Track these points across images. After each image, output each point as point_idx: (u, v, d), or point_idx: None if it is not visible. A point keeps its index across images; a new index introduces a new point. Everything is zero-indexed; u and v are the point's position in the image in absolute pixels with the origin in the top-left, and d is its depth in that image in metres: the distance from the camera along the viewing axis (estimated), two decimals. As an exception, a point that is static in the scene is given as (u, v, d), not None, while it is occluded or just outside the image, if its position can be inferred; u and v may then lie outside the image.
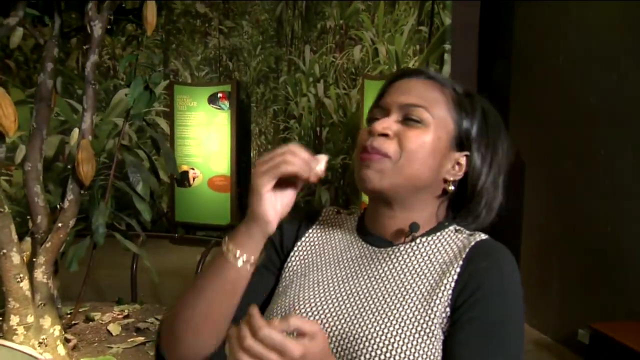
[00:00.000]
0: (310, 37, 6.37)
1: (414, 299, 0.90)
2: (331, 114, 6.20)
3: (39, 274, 2.94)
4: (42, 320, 2.95)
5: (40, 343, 2.93)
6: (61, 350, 3.01)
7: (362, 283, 0.95)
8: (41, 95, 3.06)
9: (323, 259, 1.03)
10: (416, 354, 0.84)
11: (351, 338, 0.88)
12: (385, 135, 0.93)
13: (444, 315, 0.87)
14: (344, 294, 0.94)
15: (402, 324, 0.87)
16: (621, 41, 3.58)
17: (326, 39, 6.17)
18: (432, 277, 0.91)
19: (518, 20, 4.63)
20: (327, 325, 0.91)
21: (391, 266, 0.96)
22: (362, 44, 5.63)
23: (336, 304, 0.93)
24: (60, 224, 2.90)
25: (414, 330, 0.86)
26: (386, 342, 0.85)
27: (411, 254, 0.96)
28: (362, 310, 0.91)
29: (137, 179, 2.99)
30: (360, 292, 0.93)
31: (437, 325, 0.87)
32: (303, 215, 1.10)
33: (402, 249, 0.98)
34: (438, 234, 0.98)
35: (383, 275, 0.95)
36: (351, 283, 0.96)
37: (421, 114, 0.94)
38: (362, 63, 5.68)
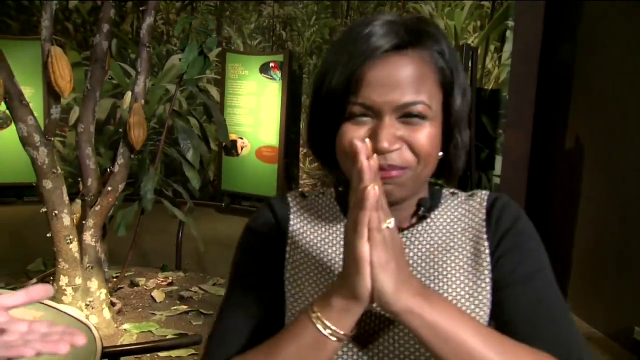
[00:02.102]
0: (367, 8, 6.19)
1: (457, 274, 0.86)
2: (384, 89, 6.05)
3: (88, 237, 2.95)
4: (90, 283, 2.97)
5: (87, 305, 2.95)
6: (106, 313, 3.02)
7: None
8: (96, 57, 3.04)
9: (324, 257, 0.90)
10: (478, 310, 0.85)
11: (407, 338, 0.83)
12: (396, 149, 0.81)
13: (489, 280, 0.86)
14: None
15: (458, 298, 0.85)
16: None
17: (383, 11, 5.99)
18: (463, 248, 0.88)
19: (586, 2, 4.39)
20: (376, 334, 0.83)
21: (415, 249, 0.88)
22: (421, 17, 5.44)
23: (370, 312, 0.84)
24: (109, 188, 2.89)
25: (467, 303, 0.84)
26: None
27: (429, 231, 0.90)
28: None
29: (188, 146, 2.95)
30: None
31: (487, 292, 0.86)
32: (271, 214, 0.95)
33: (414, 231, 0.89)
34: (441, 204, 0.93)
35: (409, 261, 0.87)
36: None
37: (422, 110, 0.80)
38: (419, 37, 5.49)
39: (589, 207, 4.28)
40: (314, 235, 0.92)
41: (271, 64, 6.53)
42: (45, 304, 1.81)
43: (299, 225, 0.93)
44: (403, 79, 0.79)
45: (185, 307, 3.38)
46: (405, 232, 0.90)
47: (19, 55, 5.68)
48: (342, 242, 0.88)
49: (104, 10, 3.09)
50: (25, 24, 6.60)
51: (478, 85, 4.54)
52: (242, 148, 6.69)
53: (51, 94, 2.81)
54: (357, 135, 0.81)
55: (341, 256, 0.88)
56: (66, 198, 2.84)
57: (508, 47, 4.39)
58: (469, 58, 4.14)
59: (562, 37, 4.57)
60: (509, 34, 4.39)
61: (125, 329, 3.03)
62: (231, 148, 6.67)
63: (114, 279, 3.61)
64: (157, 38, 6.96)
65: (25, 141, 2.78)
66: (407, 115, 0.80)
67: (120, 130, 2.96)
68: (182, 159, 2.97)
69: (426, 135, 0.81)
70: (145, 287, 3.68)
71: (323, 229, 0.93)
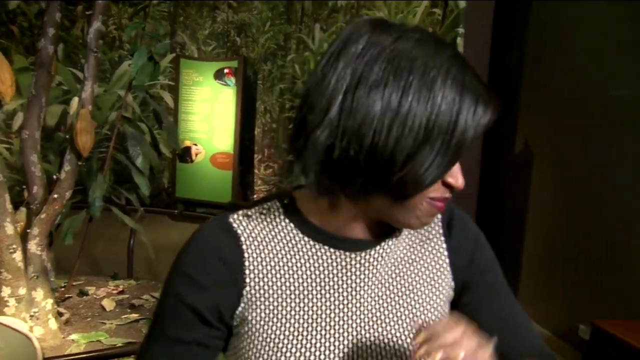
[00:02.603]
0: (321, 15, 6.22)
1: (420, 287, 0.88)
2: (338, 95, 6.08)
3: (33, 246, 2.87)
4: (35, 293, 2.89)
5: (31, 316, 2.86)
6: (53, 324, 2.94)
7: (359, 299, 0.83)
8: (41, 61, 2.97)
9: (291, 290, 0.82)
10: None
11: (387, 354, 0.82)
12: None
13: (447, 288, 0.91)
14: (347, 323, 0.82)
15: (419, 317, 0.86)
16: (637, 33, 3.46)
17: (337, 18, 6.02)
18: (422, 260, 0.90)
19: (535, 7, 4.51)
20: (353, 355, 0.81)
21: (383, 267, 0.86)
22: (374, 24, 5.50)
23: (346, 341, 0.81)
24: (56, 195, 2.82)
25: (431, 315, 0.87)
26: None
27: (394, 247, 0.88)
28: (377, 330, 0.82)
29: (137, 152, 2.91)
30: (369, 308, 0.83)
31: (445, 300, 0.91)
32: (217, 247, 0.83)
33: (384, 245, 0.87)
34: None
35: (380, 278, 0.85)
36: (350, 303, 0.83)
37: None
38: (372, 44, 5.54)
39: (538, 209, 4.38)
40: (275, 262, 0.83)
41: (225, 70, 6.50)
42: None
43: (255, 255, 0.82)
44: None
45: (137, 315, 3.32)
46: (377, 247, 0.86)
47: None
48: (307, 265, 0.83)
49: (49, 12, 3.02)
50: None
51: (430, 92, 4.61)
52: (196, 155, 6.63)
53: (-7, 99, 2.73)
54: (446, 175, 0.79)
55: (304, 277, 0.83)
56: (9, 206, 2.76)
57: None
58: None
59: (511, 42, 4.68)
60: (459, 40, 4.47)
61: (72, 340, 2.96)
62: (185, 155, 6.60)
63: (62, 289, 3.52)
64: (109, 43, 6.86)
65: (-34, 148, 2.69)
66: None
67: (68, 136, 2.89)
68: (132, 165, 2.92)
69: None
70: (95, 296, 3.60)
71: (283, 252, 0.84)
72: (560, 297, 4.09)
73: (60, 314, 3.13)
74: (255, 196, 6.81)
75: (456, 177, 0.79)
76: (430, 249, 0.91)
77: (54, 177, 2.86)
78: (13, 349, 1.67)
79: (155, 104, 3.08)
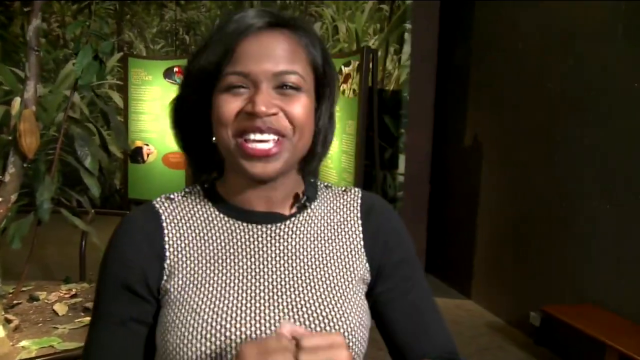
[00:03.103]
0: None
1: (335, 263, 0.92)
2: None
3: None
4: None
5: (-21, 323, 2.79)
6: (0, 331, 2.87)
7: (271, 266, 0.89)
8: (-18, 62, 2.89)
9: (206, 257, 0.89)
10: (352, 309, 0.88)
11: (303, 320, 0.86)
12: (273, 113, 0.83)
13: (363, 270, 0.94)
14: (263, 286, 0.87)
15: (332, 291, 0.88)
16: (579, 25, 3.59)
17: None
18: (339, 240, 0.94)
19: (477, 6, 4.61)
20: (265, 321, 0.85)
21: (297, 238, 0.92)
22: (323, 20, 5.53)
23: (264, 300, 0.86)
24: (0, 199, 2.75)
25: (343, 291, 0.89)
26: (328, 312, 0.86)
27: (309, 221, 0.94)
28: (290, 293, 0.87)
29: (86, 153, 2.86)
30: (276, 277, 0.88)
31: (359, 281, 0.93)
32: (142, 225, 0.91)
33: (296, 221, 0.93)
34: (319, 196, 0.98)
35: (287, 251, 0.90)
36: (261, 271, 0.88)
37: (295, 80, 0.84)
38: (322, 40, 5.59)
39: (488, 200, 4.49)
40: (192, 237, 0.90)
41: (175, 69, 6.43)
42: None
43: (174, 232, 0.90)
44: (277, 51, 0.84)
45: (90, 318, 3.27)
46: (287, 221, 0.93)
47: None
48: (222, 238, 0.90)
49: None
50: None
51: (379, 87, 4.66)
52: (148, 155, 6.53)
53: None
54: (234, 105, 0.83)
55: (219, 249, 0.90)
56: (-47, 211, 2.68)
57: (407, 48, 4.54)
58: (370, 60, 4.24)
59: (458, 40, 4.78)
60: (407, 36, 4.54)
61: (22, 347, 2.89)
62: (137, 155, 6.50)
63: (10, 295, 3.43)
64: (53, 42, 6.70)
65: None
66: (282, 86, 0.84)
67: (11, 138, 2.82)
68: (80, 166, 2.87)
69: (301, 105, 0.85)
70: (46, 301, 3.52)
71: (200, 228, 0.91)
72: (511, 287, 4.21)
73: (8, 321, 3.05)
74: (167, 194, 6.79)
75: (255, 103, 0.83)
76: (347, 230, 0.95)
77: (-1, 179, 2.78)
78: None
79: (103, 104, 3.04)
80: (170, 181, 6.40)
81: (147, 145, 6.51)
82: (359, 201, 0.97)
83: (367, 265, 0.94)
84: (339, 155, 4.73)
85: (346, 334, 0.85)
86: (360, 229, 0.95)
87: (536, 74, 3.92)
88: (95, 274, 4.21)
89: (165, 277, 0.88)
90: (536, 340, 3.82)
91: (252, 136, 0.82)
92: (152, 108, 6.49)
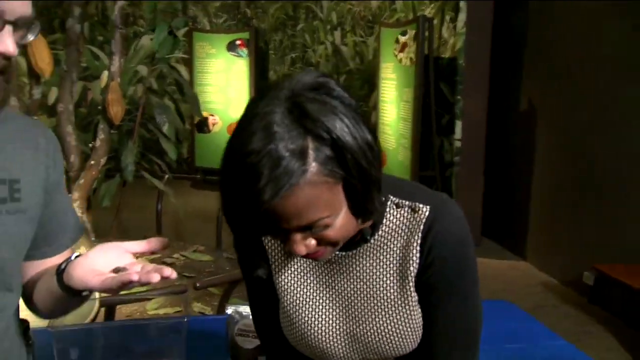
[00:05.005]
0: (327, -16, 6.39)
1: (389, 288, 1.00)
2: (348, 62, 6.26)
3: (74, 209, 3.14)
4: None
5: (75, 273, 3.14)
6: (95, 279, 3.23)
7: (344, 288, 1.03)
8: (70, 40, 3.20)
9: (296, 267, 1.05)
10: (407, 327, 0.99)
11: (356, 336, 1.02)
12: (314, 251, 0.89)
13: (414, 293, 0.99)
14: (336, 305, 1.03)
15: (390, 313, 1.00)
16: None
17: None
18: (397, 263, 0.99)
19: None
20: (337, 337, 1.03)
21: (361, 265, 1.01)
22: (380, -10, 5.66)
23: (336, 319, 1.03)
24: (92, 162, 3.08)
25: (399, 312, 1.00)
26: (386, 330, 1.00)
27: (373, 249, 1.00)
28: (356, 314, 1.02)
29: (164, 120, 3.14)
30: (346, 298, 1.03)
31: (414, 302, 0.99)
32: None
33: (363, 249, 0.99)
34: (385, 219, 0.98)
35: (358, 275, 1.01)
36: (335, 292, 1.03)
37: (322, 224, 0.84)
38: (379, 10, 5.71)
39: (543, 163, 4.57)
40: (289, 256, 1.05)
41: (237, 42, 6.67)
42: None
43: (273, 242, 1.04)
44: (301, 208, 0.80)
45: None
46: (354, 250, 0.99)
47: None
48: (316, 268, 1.05)
49: (74, -7, 3.24)
50: None
51: (435, 55, 4.77)
52: (213, 125, 6.85)
53: (32, 76, 2.98)
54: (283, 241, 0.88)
55: (313, 267, 1.05)
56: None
57: (462, 16, 4.62)
58: (425, 29, 4.37)
59: (514, 6, 4.82)
60: (462, 4, 4.62)
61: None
62: (203, 125, 6.83)
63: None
64: (124, 20, 7.04)
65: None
66: (315, 230, 0.84)
67: (100, 107, 3.13)
68: (159, 132, 3.16)
69: (336, 231, 0.86)
70: (129, 257, 3.89)
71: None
72: (566, 247, 4.30)
73: (99, 272, 3.41)
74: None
75: (293, 251, 0.89)
76: (407, 253, 0.97)
77: (90, 145, 3.11)
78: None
79: (177, 75, 3.31)
80: (234, 150, 6.70)
81: (212, 115, 6.83)
82: (422, 223, 0.96)
83: (414, 281, 0.98)
84: (396, 122, 4.89)
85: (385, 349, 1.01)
86: (418, 254, 0.97)
87: (593, 39, 3.96)
88: (170, 234, 4.54)
89: (273, 273, 1.06)
90: (590, 299, 3.91)
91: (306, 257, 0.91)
92: (217, 80, 6.78)
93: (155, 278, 0.90)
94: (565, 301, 3.99)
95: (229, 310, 1.51)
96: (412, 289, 0.98)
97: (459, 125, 4.75)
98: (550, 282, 4.35)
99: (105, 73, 3.04)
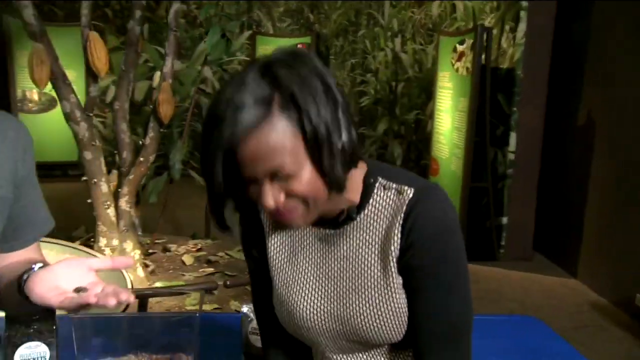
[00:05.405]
0: (390, -9, 6.39)
1: (374, 265, 1.01)
2: (407, 69, 6.23)
3: (123, 203, 3.28)
4: (125, 244, 3.30)
5: (122, 264, 3.28)
6: (140, 272, 3.35)
7: (329, 264, 1.05)
8: (130, 41, 3.34)
9: (288, 244, 1.09)
10: (390, 306, 0.99)
11: (340, 316, 1.04)
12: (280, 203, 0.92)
13: (397, 276, 0.99)
14: (321, 280, 1.06)
15: (372, 291, 1.00)
16: None
17: (405, -6, 6.18)
18: (380, 242, 1.00)
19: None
20: (319, 311, 1.04)
21: (346, 243, 1.03)
22: (441, -1, 5.61)
23: (319, 293, 1.05)
24: (141, 159, 3.21)
25: (381, 292, 1.00)
26: (367, 308, 1.00)
27: (358, 227, 1.02)
28: (339, 290, 1.04)
29: (212, 121, 3.23)
30: (331, 274, 1.05)
31: (397, 285, 0.99)
32: (250, 213, 1.12)
33: (341, 232, 1.03)
34: (371, 199, 1.01)
35: (343, 253, 1.04)
36: (321, 268, 1.06)
37: (285, 171, 0.88)
38: (439, 19, 5.65)
39: (599, 180, 4.42)
40: (282, 234, 1.10)
41: (299, 46, 6.75)
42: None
43: (272, 225, 1.10)
44: (263, 152, 0.86)
45: (212, 269, 3.71)
46: (338, 229, 1.03)
47: (64, 41, 5.99)
48: (302, 233, 1.09)
49: (136, -3, 3.38)
50: (69, 12, 6.97)
51: (493, 65, 4.69)
52: (270, 127, 6.96)
53: (90, 74, 3.13)
54: (252, 193, 0.92)
55: (303, 261, 1.09)
56: (104, 168, 3.17)
57: (522, 26, 4.52)
58: (483, 38, 4.31)
59: (576, 15, 4.69)
60: (523, 13, 4.53)
61: (157, 286, 3.36)
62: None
63: (147, 245, 3.95)
64: (191, 22, 7.26)
65: (68, 117, 3.11)
66: (279, 177, 0.88)
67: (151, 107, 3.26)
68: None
69: (303, 185, 0.89)
70: (176, 252, 4.02)
71: (289, 231, 1.09)
72: (618, 267, 4.15)
73: (146, 266, 3.54)
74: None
75: (261, 202, 0.92)
76: (390, 233, 0.99)
77: (141, 142, 3.24)
78: (109, 278, 2.04)
79: (229, 76, 3.39)
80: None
81: (271, 118, 6.94)
82: (405, 204, 0.97)
83: (396, 264, 0.99)
84: (451, 131, 4.84)
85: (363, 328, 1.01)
86: (399, 235, 0.98)
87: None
88: (218, 233, 4.67)
89: (267, 251, 1.11)
90: (643, 324, 3.76)
91: (276, 217, 0.95)
92: (277, 83, 6.88)
93: (112, 302, 0.94)
94: (614, 323, 3.84)
95: (244, 308, 1.54)
96: (394, 270, 0.98)
97: (513, 137, 4.65)
98: (600, 302, 4.20)
99: (158, 74, 3.16)
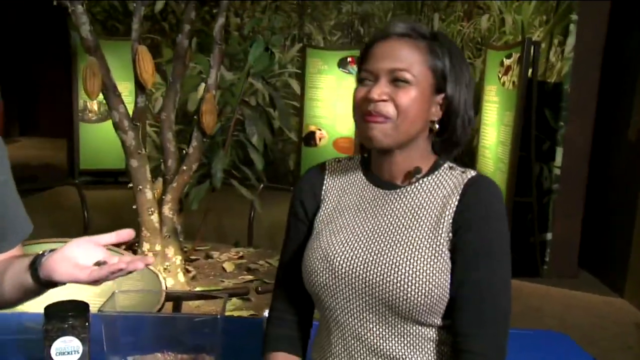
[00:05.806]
0: (440, 5, 6.37)
1: (424, 228, 1.10)
2: (456, 83, 6.20)
3: (166, 210, 3.40)
4: (167, 250, 3.42)
5: (164, 269, 3.40)
6: (181, 277, 3.46)
7: (380, 222, 1.14)
8: (178, 54, 3.48)
9: (343, 205, 1.20)
10: (430, 270, 1.06)
11: (379, 269, 1.09)
12: (383, 100, 1.08)
13: (447, 238, 1.08)
14: (366, 234, 1.13)
15: (416, 251, 1.08)
16: None
17: (455, 7, 6.15)
18: (436, 209, 1.11)
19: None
20: (357, 259, 1.11)
21: (401, 204, 1.14)
22: (490, 13, 5.57)
23: (361, 244, 1.12)
24: (185, 167, 3.33)
25: (426, 254, 1.07)
26: (407, 266, 1.06)
27: (416, 192, 1.14)
28: (383, 245, 1.11)
29: (253, 131, 3.33)
30: (379, 230, 1.13)
31: (444, 246, 1.08)
32: (312, 175, 1.27)
33: (407, 189, 1.15)
34: (436, 172, 1.15)
35: (396, 212, 1.13)
36: (371, 223, 1.15)
37: (405, 75, 1.07)
38: (488, 32, 5.62)
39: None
40: (340, 194, 1.23)
41: (349, 59, 6.81)
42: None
43: (331, 185, 1.24)
44: (395, 53, 1.08)
45: (252, 277, 3.79)
46: (398, 189, 1.15)
47: (122, 54, 6.25)
48: (358, 195, 1.20)
49: (186, 12, 3.52)
50: (128, 27, 7.25)
51: (541, 79, 4.64)
52: (320, 139, 7.03)
53: (138, 85, 3.28)
54: (361, 93, 1.12)
55: (354, 217, 1.18)
56: (149, 175, 3.30)
57: (571, 40, 4.46)
58: (530, 52, 4.28)
59: (628, 30, 4.59)
60: (572, 27, 4.46)
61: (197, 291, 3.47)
62: (310, 139, 7.02)
63: (188, 251, 4.07)
64: (244, 35, 7.44)
65: (117, 126, 3.26)
66: (395, 79, 1.08)
67: (195, 117, 3.37)
68: (248, 143, 3.36)
69: (408, 95, 1.07)
70: (218, 259, 4.12)
71: (348, 190, 1.22)
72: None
73: (188, 271, 3.66)
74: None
75: (370, 92, 1.09)
76: (446, 202, 1.10)
77: (184, 151, 3.36)
78: (145, 280, 2.14)
79: (271, 89, 3.49)
80: (337, 164, 6.84)
81: (319, 129, 7.02)
82: (465, 181, 1.11)
83: (451, 235, 1.08)
84: (496, 145, 4.80)
85: (408, 284, 1.06)
86: (456, 203, 1.09)
87: None
88: (262, 241, 4.75)
89: (318, 213, 1.22)
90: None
91: (367, 117, 1.11)
92: (326, 95, 6.96)
93: (140, 265, 1.02)
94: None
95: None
96: (445, 238, 1.08)
97: (560, 152, 4.57)
98: (648, 323, 4.07)
99: (202, 85, 3.28)
